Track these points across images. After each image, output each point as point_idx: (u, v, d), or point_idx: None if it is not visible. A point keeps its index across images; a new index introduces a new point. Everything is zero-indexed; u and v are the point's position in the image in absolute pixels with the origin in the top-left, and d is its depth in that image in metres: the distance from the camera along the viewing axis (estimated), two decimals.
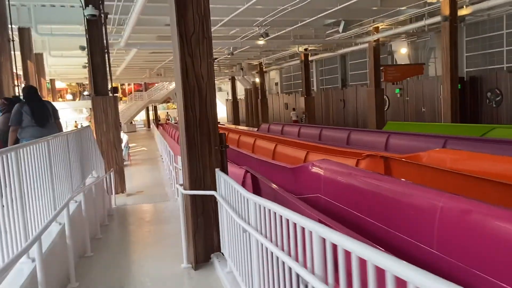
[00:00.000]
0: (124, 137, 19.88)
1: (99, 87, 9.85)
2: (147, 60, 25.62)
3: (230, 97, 49.15)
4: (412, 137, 9.55)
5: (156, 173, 14.12)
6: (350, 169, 4.54)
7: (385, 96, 21.56)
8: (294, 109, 25.45)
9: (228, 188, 3.76)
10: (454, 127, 11.90)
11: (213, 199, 4.36)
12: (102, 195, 7.55)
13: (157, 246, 5.51)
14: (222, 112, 50.97)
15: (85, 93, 46.84)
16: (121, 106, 45.51)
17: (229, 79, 38.14)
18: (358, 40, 18.37)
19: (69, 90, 52.43)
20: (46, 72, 26.21)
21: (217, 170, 4.23)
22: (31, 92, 5.95)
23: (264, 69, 31.08)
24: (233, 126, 25.06)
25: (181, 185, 4.67)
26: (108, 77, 10.04)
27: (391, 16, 15.85)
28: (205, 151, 4.34)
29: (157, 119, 44.17)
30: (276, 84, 40.12)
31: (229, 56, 22.22)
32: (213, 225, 4.43)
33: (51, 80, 29.91)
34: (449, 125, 12.47)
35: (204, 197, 4.37)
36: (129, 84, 60.50)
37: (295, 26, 16.03)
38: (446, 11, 12.69)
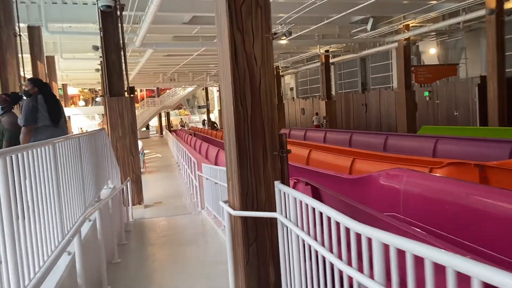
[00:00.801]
0: (139, 143, 18.98)
1: (114, 87, 8.90)
2: (161, 64, 24.81)
3: None
4: (468, 142, 8.38)
5: (173, 181, 13.12)
6: (451, 182, 3.43)
7: None
8: (316, 114, 24.33)
9: (301, 209, 2.69)
10: (505, 131, 10.67)
11: (269, 221, 3.30)
12: (119, 208, 6.54)
13: (190, 278, 4.44)
14: None
15: (98, 99, 46.39)
16: None
17: None
18: (387, 39, 17.24)
19: (81, 97, 52.06)
20: (58, 76, 25.59)
21: (277, 184, 3.16)
22: (45, 84, 4.96)
23: (280, 73, 30.06)
24: None
25: (225, 202, 3.61)
26: (124, 76, 9.11)
27: (425, 12, 14.73)
28: (258, 157, 3.27)
29: (169, 125, 43.46)
30: (291, 89, 39.09)
31: None
32: (269, 255, 3.35)
33: (63, 85, 29.28)
34: (498, 129, 11.23)
35: (258, 219, 3.30)
36: (141, 90, 60.16)
37: (320, 24, 14.99)
38: (492, 3, 11.53)
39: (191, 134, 27.39)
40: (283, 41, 15.71)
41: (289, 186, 3.22)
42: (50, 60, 18.46)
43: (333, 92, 29.32)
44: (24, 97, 4.75)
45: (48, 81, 18.20)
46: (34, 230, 2.63)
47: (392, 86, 24.13)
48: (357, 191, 4.63)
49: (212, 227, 6.61)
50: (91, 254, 4.07)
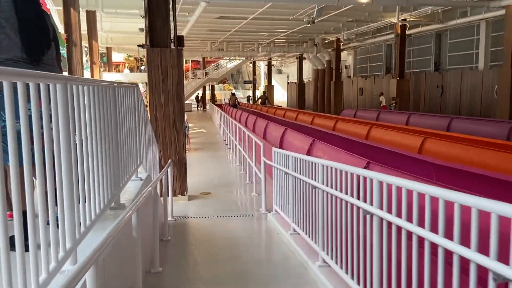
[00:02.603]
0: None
1: (158, 35, 6.53)
2: (211, 29, 22.40)
3: (291, 80, 45.29)
4: None
5: (222, 164, 10.82)
6: None
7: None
8: (382, 94, 21.14)
9: None
10: None
11: None
12: (155, 210, 4.24)
13: None
14: (282, 96, 47.24)
15: (142, 67, 45.06)
16: None
17: (297, 58, 34.19)
18: (493, 3, 13.76)
19: (126, 65, 51.09)
20: (101, 38, 23.88)
21: None
22: None
23: (341, 47, 26.82)
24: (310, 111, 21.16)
25: None
26: (171, 23, 6.71)
27: None
28: None
29: (214, 99, 41.56)
30: (347, 67, 35.66)
31: (308, 25, 18.37)
32: None
33: (107, 48, 27.69)
34: None
35: None
36: (186, 62, 58.48)
37: None
38: None
39: (234, 107, 24.87)
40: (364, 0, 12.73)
41: None
42: (91, 16, 16.52)
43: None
44: None
45: (88, 39, 16.27)
46: None
47: (477, 66, 20.43)
48: None
49: (296, 253, 4.17)
50: None
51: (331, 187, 3.31)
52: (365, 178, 2.70)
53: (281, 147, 8.17)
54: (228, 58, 37.08)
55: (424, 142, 6.38)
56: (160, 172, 5.43)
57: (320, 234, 3.56)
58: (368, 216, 2.65)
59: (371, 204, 2.58)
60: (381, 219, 2.49)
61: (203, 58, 39.85)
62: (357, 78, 31.06)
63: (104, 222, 2.48)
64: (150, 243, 3.89)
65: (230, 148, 12.60)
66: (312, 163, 3.73)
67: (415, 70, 25.46)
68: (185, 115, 17.06)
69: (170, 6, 6.47)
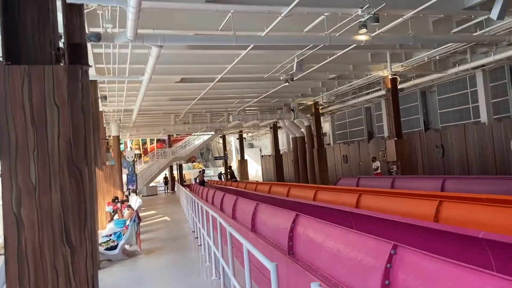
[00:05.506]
0: (136, 201, 12.88)
1: (26, 41, 3.01)
2: (172, 97, 19.30)
3: (265, 153, 42.39)
4: None
5: (189, 277, 6.80)
6: None
7: None
8: (374, 159, 18.16)
9: None
10: None
11: None
12: None
13: None
14: (255, 171, 43.92)
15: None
16: (141, 166, 39.22)
17: (271, 127, 31.51)
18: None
19: None
20: None
21: None
22: None
23: (320, 111, 24.34)
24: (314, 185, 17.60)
25: None
26: (60, 18, 3.24)
27: None
28: None
29: (182, 179, 37.66)
30: (324, 134, 33.35)
31: (287, 84, 15.67)
32: None
33: None
34: None
35: None
36: (151, 142, 55.08)
37: (422, 7, 9.32)
38: None
39: (200, 185, 21.09)
40: (362, 37, 9.97)
41: None
42: None
43: (386, 133, 23.36)
44: None
45: None
46: None
47: (479, 120, 18.06)
48: None
49: None
50: None
51: None
52: None
53: (291, 250, 4.40)
54: (195, 133, 34.07)
55: None
56: None
57: None
58: None
59: None
60: None
61: (169, 136, 36.66)
62: (339, 145, 28.47)
63: None
64: None
65: (201, 245, 8.66)
66: None
67: (404, 131, 23.09)
68: (140, 201, 13.01)
69: None
